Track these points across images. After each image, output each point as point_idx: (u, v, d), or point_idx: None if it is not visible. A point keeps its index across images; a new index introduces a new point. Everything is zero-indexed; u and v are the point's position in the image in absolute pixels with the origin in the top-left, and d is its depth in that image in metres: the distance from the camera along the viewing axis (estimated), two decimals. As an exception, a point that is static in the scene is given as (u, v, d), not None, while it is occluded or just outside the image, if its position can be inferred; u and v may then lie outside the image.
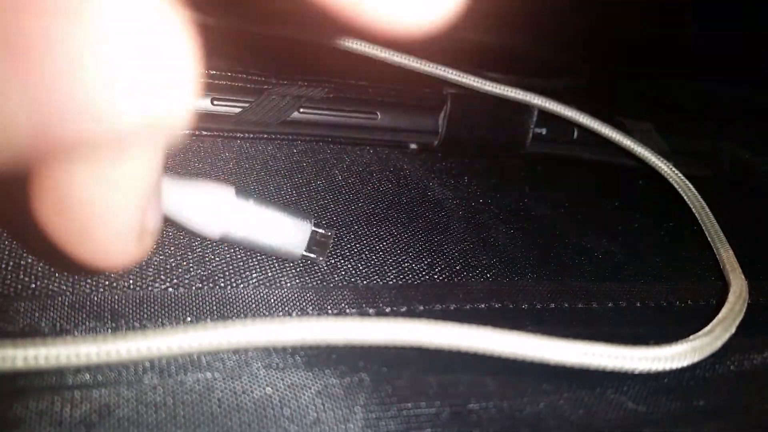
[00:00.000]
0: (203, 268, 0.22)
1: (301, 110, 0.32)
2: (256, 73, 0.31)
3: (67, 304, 0.19)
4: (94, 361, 0.17)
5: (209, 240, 0.22)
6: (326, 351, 0.20)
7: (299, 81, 0.31)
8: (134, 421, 0.16)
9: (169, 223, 0.24)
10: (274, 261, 0.23)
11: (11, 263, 0.20)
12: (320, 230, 0.23)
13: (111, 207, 0.13)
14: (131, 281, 0.21)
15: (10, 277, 0.20)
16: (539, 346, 0.20)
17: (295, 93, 0.31)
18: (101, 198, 0.12)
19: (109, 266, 0.14)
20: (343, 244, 0.26)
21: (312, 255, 0.23)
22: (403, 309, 0.22)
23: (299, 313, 0.21)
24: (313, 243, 0.23)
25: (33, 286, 0.20)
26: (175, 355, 0.18)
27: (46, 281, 0.20)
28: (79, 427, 0.16)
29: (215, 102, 0.30)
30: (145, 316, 0.20)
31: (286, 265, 0.23)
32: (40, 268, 0.21)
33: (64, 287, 0.20)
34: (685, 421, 0.21)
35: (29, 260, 0.21)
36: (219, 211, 0.21)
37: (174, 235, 0.24)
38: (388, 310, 0.22)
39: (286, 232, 0.22)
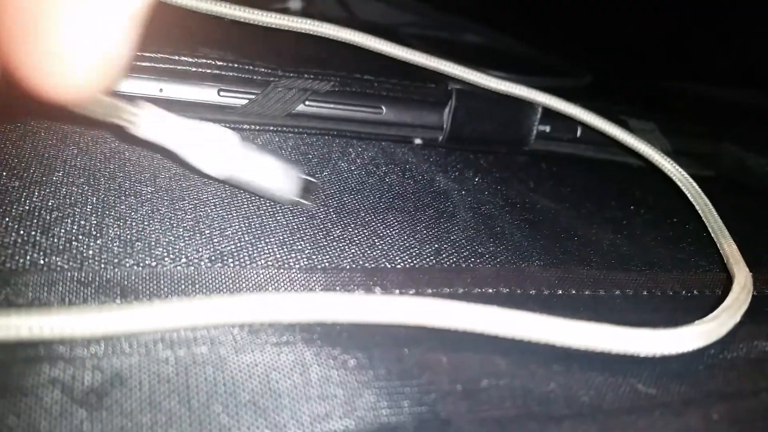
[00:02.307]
0: (212, 249, 0.22)
1: (307, 103, 0.32)
2: (262, 66, 0.31)
3: (75, 279, 0.19)
4: (100, 331, 0.17)
5: (214, 179, 0.25)
6: (336, 328, 0.20)
7: (305, 74, 0.32)
8: (146, 391, 0.16)
9: (177, 199, 0.24)
10: (282, 244, 0.23)
11: (20, 240, 0.20)
12: (308, 178, 0.26)
13: (80, 24, 0.12)
14: (140, 258, 0.21)
15: (19, 252, 0.20)
16: (549, 327, 0.20)
17: (301, 86, 0.32)
18: (69, 13, 0.12)
19: (66, 95, 0.13)
20: (351, 229, 0.26)
21: (304, 201, 0.26)
22: (412, 291, 0.22)
23: (307, 292, 0.21)
24: (303, 189, 0.26)
25: (42, 261, 0.20)
26: (185, 327, 0.18)
27: (55, 257, 0.20)
28: (90, 396, 0.16)
29: (222, 93, 0.30)
30: (155, 292, 0.20)
31: (296, 246, 0.23)
32: (49, 244, 0.20)
33: (73, 264, 0.20)
34: (694, 404, 0.21)
35: (38, 236, 0.21)
36: (228, 152, 0.23)
37: (182, 217, 0.24)
38: (397, 291, 0.22)
39: (280, 177, 0.25)
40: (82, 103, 0.18)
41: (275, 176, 0.25)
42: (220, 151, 0.23)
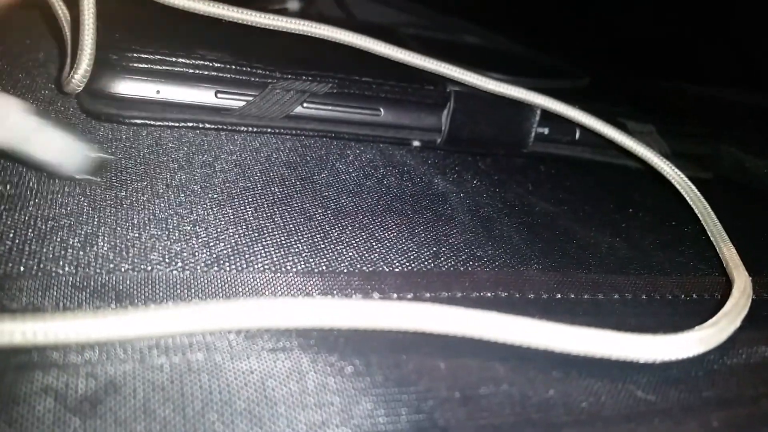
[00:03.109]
0: (208, 253, 0.22)
1: (305, 105, 0.32)
2: (260, 67, 0.31)
3: (70, 284, 0.19)
4: (93, 337, 0.16)
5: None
6: (332, 334, 0.19)
7: (303, 76, 0.31)
8: (140, 398, 0.16)
9: (174, 205, 0.24)
10: (279, 248, 0.23)
11: (15, 247, 0.20)
12: (94, 153, 0.25)
13: None
14: (135, 264, 0.21)
15: (13, 257, 0.20)
16: (548, 333, 0.20)
17: (299, 88, 0.31)
18: None
19: None
20: (348, 232, 0.25)
21: (88, 176, 0.25)
22: (410, 295, 0.22)
23: (304, 296, 0.21)
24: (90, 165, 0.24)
25: (36, 267, 0.20)
26: (180, 333, 0.18)
27: (49, 263, 0.20)
28: (84, 404, 0.16)
29: (219, 95, 0.30)
30: (150, 297, 0.19)
31: (293, 249, 0.23)
32: (44, 251, 0.20)
33: (68, 269, 0.20)
34: (694, 411, 0.20)
35: (33, 242, 0.20)
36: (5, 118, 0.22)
37: (179, 222, 0.23)
38: (394, 296, 0.22)
39: (64, 150, 0.24)
40: None
41: (55, 148, 0.24)
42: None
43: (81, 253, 0.21)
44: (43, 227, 0.21)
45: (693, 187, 0.33)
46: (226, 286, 0.21)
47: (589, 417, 0.19)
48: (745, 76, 0.43)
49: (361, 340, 0.19)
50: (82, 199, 0.23)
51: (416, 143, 0.35)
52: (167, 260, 0.21)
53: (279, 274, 0.22)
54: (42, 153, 0.23)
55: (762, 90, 0.43)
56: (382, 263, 0.24)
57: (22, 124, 0.23)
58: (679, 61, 0.44)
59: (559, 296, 0.24)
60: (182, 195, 0.25)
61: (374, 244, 0.25)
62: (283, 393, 0.17)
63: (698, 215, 0.32)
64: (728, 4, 0.40)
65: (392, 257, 0.24)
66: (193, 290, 0.20)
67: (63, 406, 0.15)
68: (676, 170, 0.34)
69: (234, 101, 0.30)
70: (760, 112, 0.44)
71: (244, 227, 0.24)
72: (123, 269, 0.20)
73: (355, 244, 0.25)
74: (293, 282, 0.22)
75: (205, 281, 0.21)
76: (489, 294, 0.23)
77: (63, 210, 0.22)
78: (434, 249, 0.26)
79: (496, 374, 0.19)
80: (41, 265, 0.20)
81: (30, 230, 0.21)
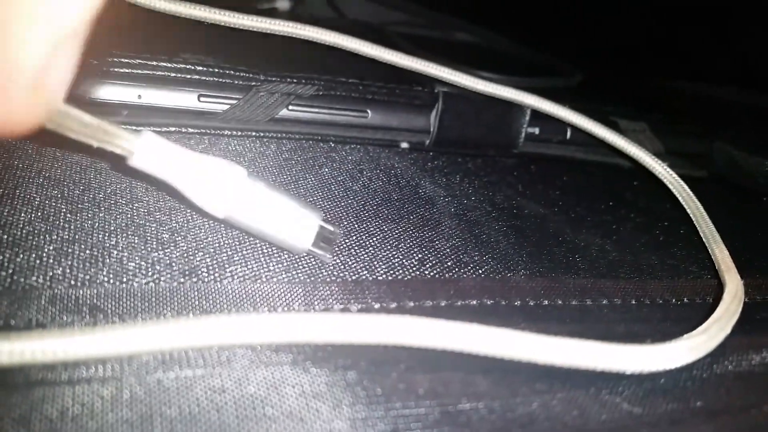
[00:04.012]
0: (187, 263, 0.22)
1: (290, 108, 0.31)
2: (244, 70, 0.30)
3: (44, 298, 0.19)
4: (60, 357, 0.16)
5: (213, 218, 0.22)
6: (312, 348, 0.19)
7: (288, 78, 0.31)
8: (110, 419, 0.16)
9: (152, 210, 0.24)
10: (261, 256, 0.23)
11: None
12: (329, 226, 0.22)
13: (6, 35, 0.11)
14: (111, 276, 0.20)
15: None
16: (531, 345, 0.19)
17: (284, 90, 0.31)
18: None
19: (13, 128, 0.13)
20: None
21: (319, 251, 0.22)
22: (393, 305, 0.22)
23: (285, 308, 0.21)
24: (321, 239, 0.22)
25: (9, 280, 0.19)
26: (153, 351, 0.17)
27: (23, 277, 0.19)
28: (51, 425, 0.15)
29: (202, 99, 0.30)
30: (125, 311, 0.19)
31: (274, 258, 0.23)
32: (17, 264, 0.20)
33: (42, 281, 0.19)
34: (682, 423, 0.20)
35: (7, 255, 0.20)
36: (227, 188, 0.20)
37: (157, 229, 0.23)
38: (377, 306, 0.21)
39: (294, 222, 0.22)
40: (55, 127, 0.17)
41: (287, 221, 0.22)
42: (223, 189, 0.20)
43: (56, 264, 0.20)
44: (19, 233, 0.21)
45: (685, 187, 0.33)
46: (204, 297, 0.20)
47: (574, 430, 0.19)
48: (739, 75, 0.42)
49: (338, 356, 0.19)
50: (60, 201, 0.23)
51: (405, 145, 0.34)
52: (144, 271, 0.21)
53: (259, 284, 0.21)
54: (273, 226, 0.22)
55: (756, 88, 0.42)
56: (365, 271, 0.23)
57: (252, 195, 0.21)
58: (672, 59, 0.44)
59: (546, 303, 0.24)
60: (161, 203, 0.25)
61: (359, 251, 0.25)
62: (257, 413, 0.17)
63: (690, 215, 0.32)
64: (722, 2, 0.40)
65: (376, 265, 0.24)
66: (169, 303, 0.20)
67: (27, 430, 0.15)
68: (668, 169, 0.34)
69: (217, 105, 0.30)
70: (754, 110, 0.43)
71: (224, 235, 0.24)
72: (98, 281, 0.20)
73: (338, 252, 0.24)
74: (274, 292, 0.21)
75: (183, 292, 0.20)
76: (474, 302, 0.23)
77: (39, 213, 0.22)
78: (419, 256, 0.25)
79: (478, 388, 0.19)
80: (15, 278, 0.19)
81: (5, 237, 0.21)
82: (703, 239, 0.30)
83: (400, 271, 0.24)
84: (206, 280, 0.21)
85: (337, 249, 0.24)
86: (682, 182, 0.33)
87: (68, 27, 0.12)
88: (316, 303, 0.21)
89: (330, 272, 0.23)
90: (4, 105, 0.13)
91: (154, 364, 0.17)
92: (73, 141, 0.27)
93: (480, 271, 0.25)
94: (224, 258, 0.22)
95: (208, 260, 0.22)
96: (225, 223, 0.22)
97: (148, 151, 0.19)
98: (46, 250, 0.21)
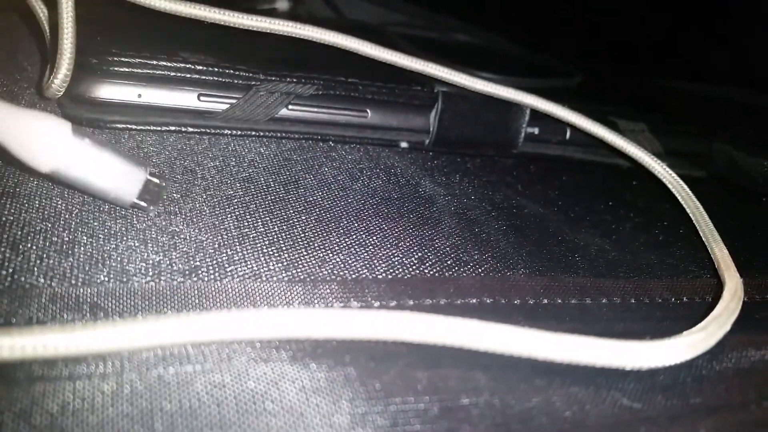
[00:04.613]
0: (187, 263, 0.22)
1: (290, 107, 0.31)
2: (244, 69, 0.30)
3: (44, 296, 0.19)
4: (61, 353, 0.16)
5: (38, 173, 0.22)
6: (311, 344, 0.19)
7: (288, 77, 0.31)
8: (110, 413, 0.16)
9: (153, 214, 0.24)
10: (261, 256, 0.23)
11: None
12: (154, 179, 0.23)
13: None
14: (112, 275, 0.20)
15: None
16: (530, 341, 0.19)
17: (284, 89, 0.31)
18: None
19: None
20: (332, 238, 0.25)
21: (142, 203, 0.23)
22: (393, 303, 0.22)
23: (285, 306, 0.21)
24: (146, 192, 0.23)
25: (10, 279, 0.19)
26: (153, 346, 0.17)
27: (23, 276, 0.19)
28: (53, 423, 0.15)
29: (202, 98, 0.30)
30: (125, 309, 0.19)
31: (274, 257, 0.23)
32: (17, 263, 0.20)
33: (42, 281, 0.19)
34: (681, 419, 0.20)
35: (7, 254, 0.20)
36: (51, 143, 0.21)
37: (157, 231, 0.23)
38: (377, 304, 0.22)
39: (119, 177, 0.22)
40: None
41: (113, 176, 0.22)
42: (47, 143, 0.21)
43: (56, 263, 0.20)
44: (19, 233, 0.21)
45: (685, 186, 0.33)
46: (204, 296, 0.20)
47: (573, 427, 0.19)
48: (739, 75, 0.42)
49: (338, 351, 0.19)
50: (59, 201, 0.23)
51: (404, 145, 0.34)
52: (144, 271, 0.21)
53: (259, 283, 0.21)
54: (98, 180, 0.22)
55: (755, 87, 0.42)
56: (365, 270, 0.24)
57: (75, 150, 0.21)
58: (671, 59, 0.44)
59: (545, 301, 0.24)
60: (162, 207, 0.25)
61: (358, 249, 0.25)
62: (257, 408, 0.17)
63: (690, 215, 0.32)
64: (722, 2, 0.40)
65: (376, 263, 0.24)
66: (169, 301, 0.20)
67: (28, 425, 0.15)
68: (668, 169, 0.34)
69: (217, 104, 0.30)
70: (753, 109, 0.43)
71: (224, 236, 0.24)
72: (99, 280, 0.20)
73: (338, 251, 0.24)
74: (274, 291, 0.21)
75: (182, 292, 0.20)
76: (474, 300, 0.23)
77: (39, 214, 0.22)
78: (419, 254, 0.25)
79: (477, 384, 0.19)
80: (15, 276, 0.19)
81: (5, 236, 0.21)
82: (703, 239, 0.30)
83: (400, 270, 0.24)
84: (206, 279, 0.21)
85: (337, 247, 0.24)
86: (681, 182, 0.33)
87: None
88: (315, 301, 0.21)
89: (330, 271, 0.23)
90: None
91: (155, 359, 0.17)
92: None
93: (480, 270, 0.25)
94: (225, 258, 0.22)
95: (208, 260, 0.22)
96: (51, 178, 0.22)
97: None
98: (46, 249, 0.21)
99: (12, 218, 0.22)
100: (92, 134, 0.23)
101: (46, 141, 0.21)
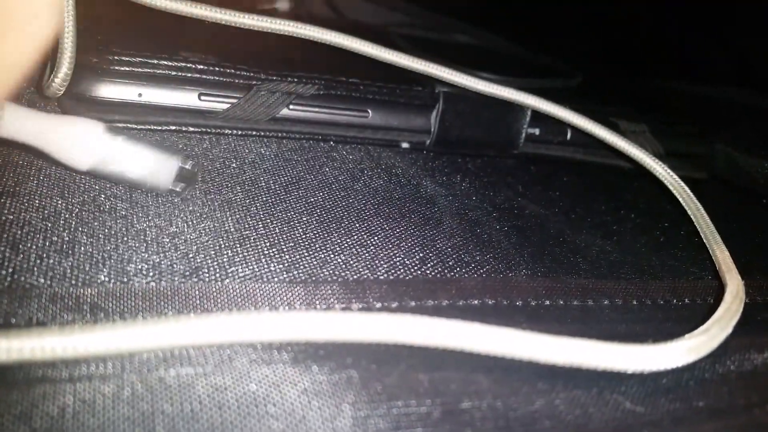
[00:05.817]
0: (188, 264, 0.22)
1: (291, 107, 0.31)
2: (244, 69, 0.30)
3: (44, 297, 0.19)
4: (60, 355, 0.16)
5: (78, 171, 0.24)
6: (313, 346, 0.19)
7: (289, 77, 0.31)
8: (111, 416, 0.16)
9: (153, 215, 0.24)
10: (262, 257, 0.23)
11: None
12: (186, 166, 0.25)
13: None
14: (112, 276, 0.20)
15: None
16: (533, 344, 0.19)
17: (285, 89, 0.31)
18: None
19: None
20: (334, 238, 0.25)
21: (177, 189, 0.25)
22: (394, 305, 0.22)
23: (287, 308, 0.21)
24: (180, 178, 0.25)
25: (9, 279, 0.19)
26: (154, 348, 0.17)
27: (23, 276, 0.19)
28: (51, 422, 0.15)
29: (202, 97, 0.30)
30: (126, 310, 0.19)
31: (275, 258, 0.23)
32: (17, 263, 0.20)
33: (42, 281, 0.19)
34: (684, 422, 0.20)
35: (7, 254, 0.20)
36: (87, 144, 0.23)
37: (158, 232, 0.23)
38: (378, 305, 0.21)
39: (153, 167, 0.24)
40: None
41: (148, 166, 0.24)
42: (84, 144, 0.23)
43: (56, 264, 0.20)
44: (19, 232, 0.21)
45: (686, 188, 0.33)
46: (205, 297, 0.20)
47: (576, 430, 0.19)
48: (739, 75, 0.42)
49: (340, 354, 0.19)
50: (59, 201, 0.23)
51: (405, 145, 0.34)
52: (145, 272, 0.21)
53: (260, 284, 0.21)
54: (134, 172, 0.24)
55: (756, 88, 0.42)
56: (367, 271, 0.23)
57: (110, 147, 0.23)
58: (673, 61, 0.44)
59: (547, 303, 0.24)
60: (162, 208, 0.24)
61: (360, 250, 0.25)
62: (259, 411, 0.17)
63: (691, 217, 0.32)
64: (722, 3, 0.40)
65: (377, 264, 0.24)
66: (170, 302, 0.20)
67: (29, 428, 0.15)
68: (669, 171, 0.34)
69: (218, 104, 0.30)
70: (754, 110, 0.43)
71: (225, 237, 0.23)
72: (99, 281, 0.20)
73: (340, 251, 0.24)
74: (275, 292, 0.21)
75: (182, 292, 0.20)
76: (476, 302, 0.23)
77: (40, 214, 0.22)
78: (421, 255, 0.25)
79: (480, 387, 0.19)
80: (15, 276, 0.19)
81: (5, 236, 0.21)
82: (704, 240, 0.30)
83: (402, 271, 0.24)
84: (207, 280, 0.21)
85: (338, 248, 0.24)
86: (682, 183, 0.33)
87: None
88: (317, 302, 0.21)
89: (332, 272, 0.23)
90: None
91: (156, 361, 0.17)
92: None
93: (481, 271, 0.25)
94: (225, 259, 0.22)
95: (209, 261, 0.22)
96: (90, 175, 0.24)
97: (13, 121, 0.22)
98: (46, 249, 0.21)
99: (12, 218, 0.22)
100: (124, 131, 0.25)
101: (81, 142, 0.23)
